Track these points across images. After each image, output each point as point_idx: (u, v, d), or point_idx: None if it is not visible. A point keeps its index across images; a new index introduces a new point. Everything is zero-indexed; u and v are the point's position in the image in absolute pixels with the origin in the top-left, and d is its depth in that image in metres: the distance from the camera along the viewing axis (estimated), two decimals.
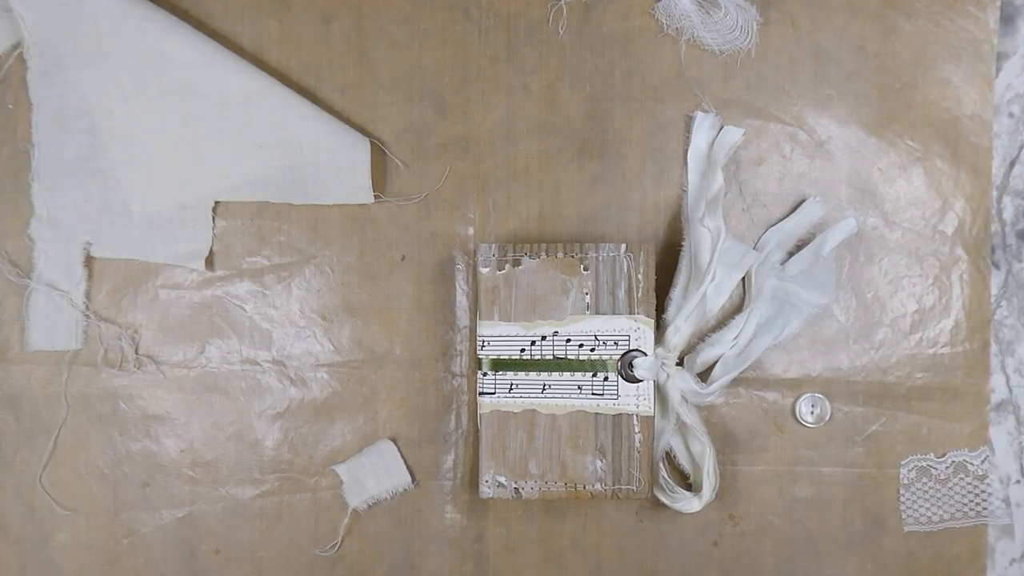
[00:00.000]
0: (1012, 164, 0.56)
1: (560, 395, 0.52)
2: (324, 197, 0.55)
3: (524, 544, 0.56)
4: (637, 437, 0.52)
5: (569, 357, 0.52)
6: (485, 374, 0.52)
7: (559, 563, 0.56)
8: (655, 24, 0.55)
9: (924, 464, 0.55)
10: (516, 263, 0.52)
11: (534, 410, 0.52)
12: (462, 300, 0.56)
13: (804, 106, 0.56)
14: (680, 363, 0.54)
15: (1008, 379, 0.56)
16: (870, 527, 0.55)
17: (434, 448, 0.56)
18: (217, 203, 0.55)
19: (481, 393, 0.52)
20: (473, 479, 0.55)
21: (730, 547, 0.56)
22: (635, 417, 0.52)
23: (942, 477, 0.55)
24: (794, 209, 0.56)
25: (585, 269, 0.52)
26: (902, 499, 0.55)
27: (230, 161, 0.54)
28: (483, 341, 0.52)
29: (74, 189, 0.55)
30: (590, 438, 0.52)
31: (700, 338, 0.55)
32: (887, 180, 0.56)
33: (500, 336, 0.52)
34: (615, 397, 0.52)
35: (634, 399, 0.52)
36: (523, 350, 0.52)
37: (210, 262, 0.56)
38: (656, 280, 0.52)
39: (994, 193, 0.56)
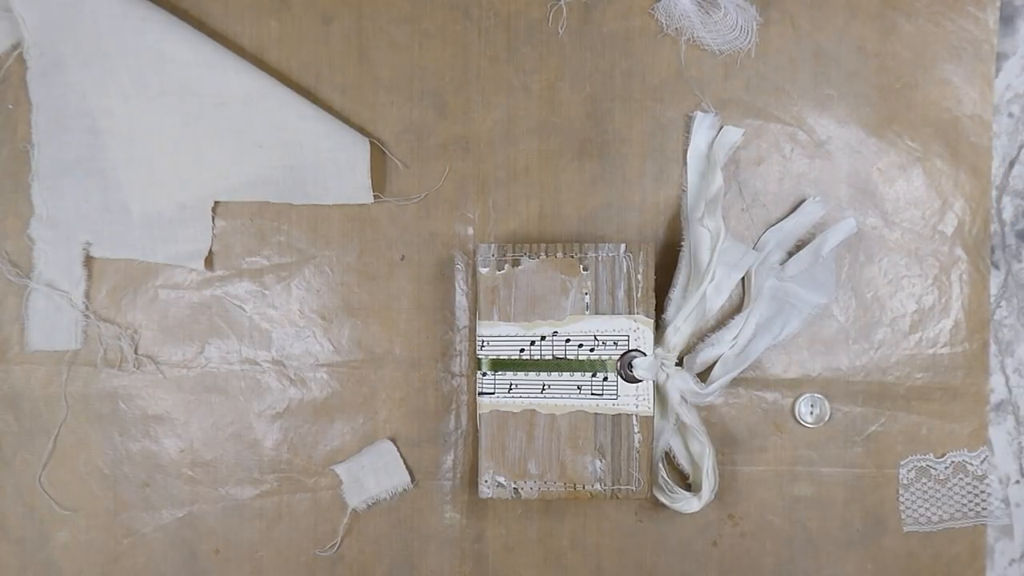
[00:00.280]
0: (1012, 164, 0.56)
1: (559, 395, 0.52)
2: (324, 197, 0.55)
3: (523, 544, 0.56)
4: (636, 437, 0.52)
5: (568, 357, 0.52)
6: (484, 374, 0.52)
7: (559, 563, 0.56)
8: (655, 24, 0.55)
9: (924, 464, 0.55)
10: (516, 263, 0.52)
11: (533, 410, 0.52)
12: (462, 300, 0.56)
13: (804, 106, 0.56)
14: (680, 363, 0.54)
15: (1007, 379, 0.56)
16: (870, 527, 0.55)
17: (433, 448, 0.56)
18: (217, 203, 0.55)
19: (480, 393, 0.52)
20: (472, 479, 0.55)
21: (730, 547, 0.56)
22: (634, 417, 0.52)
23: (941, 477, 0.55)
24: (794, 209, 0.56)
25: (585, 269, 0.52)
26: (901, 499, 0.55)
27: (230, 161, 0.54)
28: (482, 341, 0.52)
29: (74, 189, 0.55)
30: (589, 438, 0.52)
31: (700, 338, 0.55)
32: (887, 180, 0.56)
33: (499, 336, 0.52)
34: (614, 397, 0.52)
35: (633, 399, 0.52)
36: (522, 350, 0.52)
37: (210, 262, 0.56)
38: (656, 280, 0.52)
39: (994, 193, 0.56)
